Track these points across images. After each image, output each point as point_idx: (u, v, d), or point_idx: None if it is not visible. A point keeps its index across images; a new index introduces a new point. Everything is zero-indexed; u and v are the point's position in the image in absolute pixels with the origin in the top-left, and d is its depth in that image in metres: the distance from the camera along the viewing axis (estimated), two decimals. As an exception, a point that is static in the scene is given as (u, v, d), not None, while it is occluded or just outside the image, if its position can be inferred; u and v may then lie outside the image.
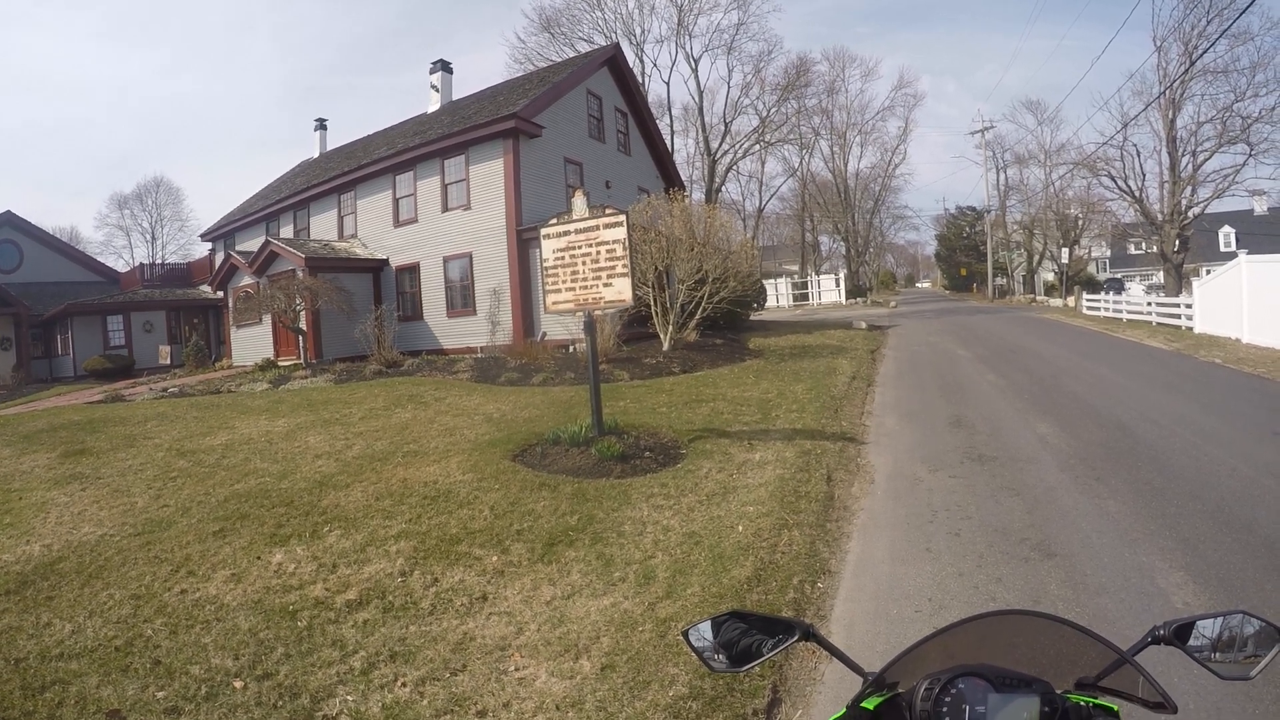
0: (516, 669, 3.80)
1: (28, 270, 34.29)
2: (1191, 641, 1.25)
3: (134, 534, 6.18)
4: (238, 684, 3.73)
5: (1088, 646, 1.28)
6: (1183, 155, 32.31)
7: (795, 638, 1.36)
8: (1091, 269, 57.15)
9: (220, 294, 25.73)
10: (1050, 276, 53.57)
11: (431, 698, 3.57)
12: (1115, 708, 1.21)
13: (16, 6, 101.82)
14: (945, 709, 1.15)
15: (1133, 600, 4.23)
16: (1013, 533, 5.47)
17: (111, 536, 6.15)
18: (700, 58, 48.70)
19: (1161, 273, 36.63)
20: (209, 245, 31.05)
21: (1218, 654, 1.24)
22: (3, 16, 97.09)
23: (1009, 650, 1.32)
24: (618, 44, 28.42)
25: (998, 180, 57.07)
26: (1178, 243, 32.78)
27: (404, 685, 3.67)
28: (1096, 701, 1.20)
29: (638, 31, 46.61)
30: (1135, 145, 35.17)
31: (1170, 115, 32.23)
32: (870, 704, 1.27)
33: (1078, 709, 1.16)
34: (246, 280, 22.78)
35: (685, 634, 1.45)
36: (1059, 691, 1.16)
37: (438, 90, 26.10)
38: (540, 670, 3.76)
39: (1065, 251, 46.98)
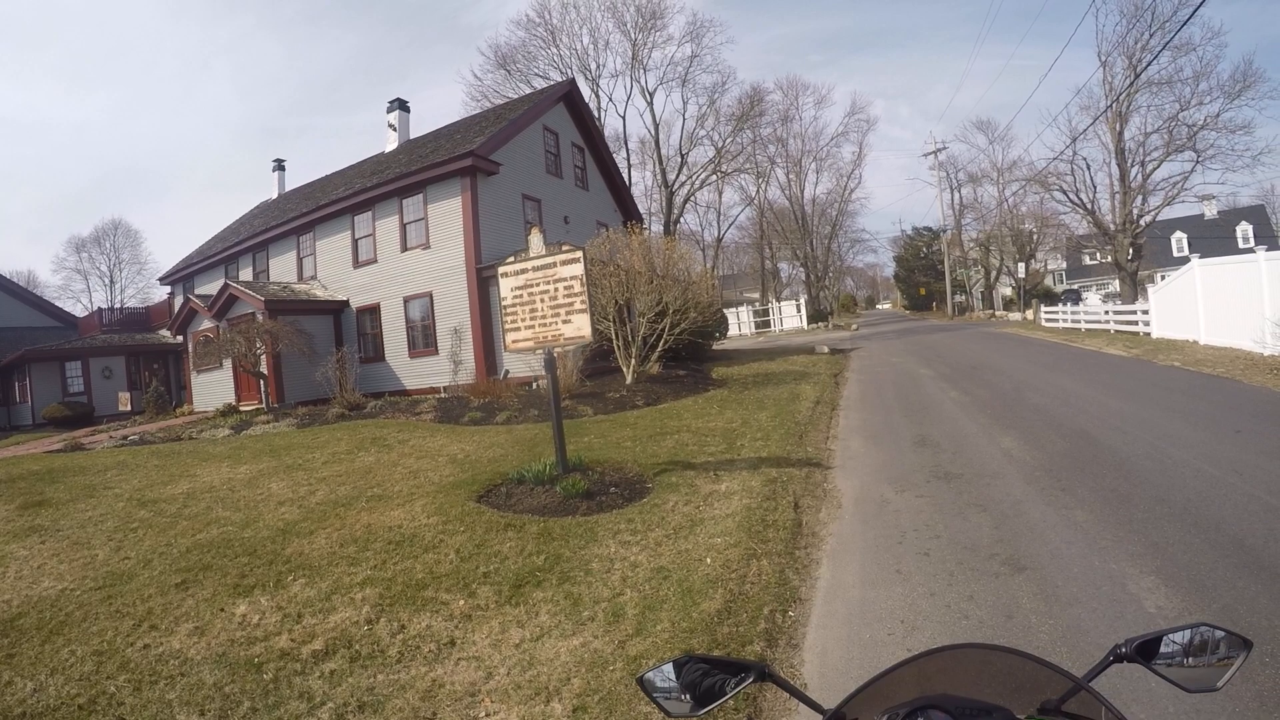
0: (487, 714, 3.71)
1: (-17, 315, 33.58)
2: (1156, 656, 1.25)
3: (95, 588, 6.00)
4: (196, 748, 3.59)
5: (1050, 672, 1.27)
6: (1132, 166, 33.38)
7: (751, 679, 1.34)
8: (1049, 281, 58.44)
9: (180, 338, 25.29)
10: (1008, 291, 54.62)
11: (398, 752, 3.47)
12: None
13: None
14: None
15: (1105, 609, 4.26)
16: (982, 549, 5.49)
17: (72, 590, 5.98)
18: (655, 91, 49.30)
19: (1117, 281, 37.54)
20: (168, 289, 30.57)
21: (1188, 661, 1.24)
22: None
23: (972, 680, 1.31)
24: (573, 80, 28.69)
25: (953, 200, 58.46)
26: (1131, 251, 33.68)
27: (370, 740, 3.56)
28: None
29: (593, 66, 47.30)
30: (1085, 159, 36.34)
31: (1118, 127, 33.29)
32: None
33: None
34: (206, 324, 22.42)
35: (640, 679, 1.41)
36: (1021, 718, 1.15)
37: (395, 129, 26.11)
38: (511, 715, 3.68)
39: (1021, 266, 47.94)
